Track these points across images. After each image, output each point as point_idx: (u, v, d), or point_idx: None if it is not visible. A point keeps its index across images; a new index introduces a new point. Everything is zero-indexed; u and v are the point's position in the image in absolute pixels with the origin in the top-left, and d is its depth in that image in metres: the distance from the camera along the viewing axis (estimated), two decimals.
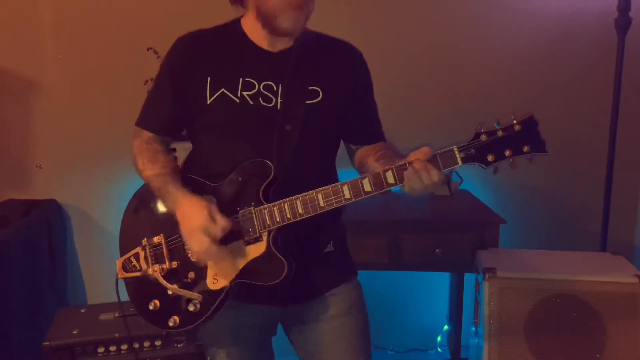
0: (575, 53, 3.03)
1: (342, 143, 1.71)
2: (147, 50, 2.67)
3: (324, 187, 1.42)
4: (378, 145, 1.64)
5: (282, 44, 1.55)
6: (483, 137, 1.32)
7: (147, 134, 1.63)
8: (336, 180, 1.45)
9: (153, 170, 1.58)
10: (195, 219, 1.44)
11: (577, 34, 3.01)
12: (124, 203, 1.67)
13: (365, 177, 1.39)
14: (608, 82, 2.70)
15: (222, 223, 1.43)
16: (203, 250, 1.44)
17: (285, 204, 1.44)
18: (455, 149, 1.34)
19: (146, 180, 1.60)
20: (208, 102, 1.52)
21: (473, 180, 3.03)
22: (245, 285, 1.49)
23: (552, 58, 3.04)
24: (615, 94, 2.69)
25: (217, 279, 1.49)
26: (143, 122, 1.64)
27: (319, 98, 1.55)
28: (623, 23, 2.62)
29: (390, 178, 1.38)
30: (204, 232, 1.42)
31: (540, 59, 3.04)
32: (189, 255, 1.53)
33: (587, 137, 3.05)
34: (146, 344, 2.21)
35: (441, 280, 3.17)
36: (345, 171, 1.65)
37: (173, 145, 2.52)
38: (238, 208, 1.48)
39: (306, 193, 1.43)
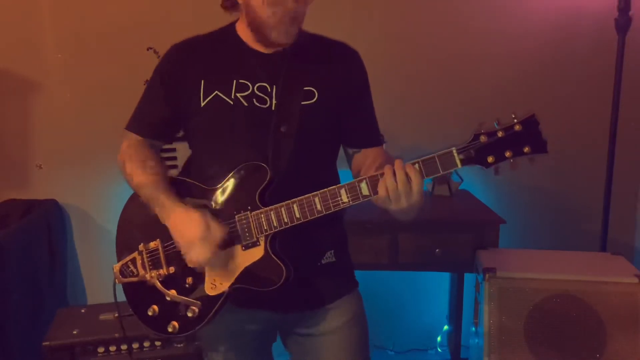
0: (576, 53, 3.03)
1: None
2: (147, 50, 2.66)
3: (321, 191, 1.39)
4: (378, 155, 1.59)
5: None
6: (483, 138, 1.29)
7: (135, 137, 1.62)
8: (337, 183, 1.41)
9: (143, 177, 1.54)
10: (192, 230, 1.42)
11: (577, 34, 3.01)
12: (124, 203, 1.66)
13: (362, 180, 1.37)
14: (608, 82, 2.70)
15: (218, 231, 1.42)
16: (203, 260, 1.43)
17: (282, 208, 1.42)
18: (454, 151, 1.30)
19: (135, 187, 1.56)
20: (202, 104, 1.51)
21: (473, 180, 3.03)
22: (244, 291, 1.46)
23: (552, 58, 3.04)
24: (615, 94, 2.69)
25: (215, 285, 1.47)
26: (132, 125, 1.63)
27: (315, 99, 1.52)
28: (623, 23, 2.62)
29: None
30: (202, 243, 1.41)
31: (540, 59, 3.04)
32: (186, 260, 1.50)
33: (587, 137, 3.05)
34: (146, 344, 2.22)
35: (441, 280, 3.17)
36: (347, 171, 1.64)
37: (173, 145, 2.55)
38: (235, 212, 1.46)
39: (303, 197, 1.40)
